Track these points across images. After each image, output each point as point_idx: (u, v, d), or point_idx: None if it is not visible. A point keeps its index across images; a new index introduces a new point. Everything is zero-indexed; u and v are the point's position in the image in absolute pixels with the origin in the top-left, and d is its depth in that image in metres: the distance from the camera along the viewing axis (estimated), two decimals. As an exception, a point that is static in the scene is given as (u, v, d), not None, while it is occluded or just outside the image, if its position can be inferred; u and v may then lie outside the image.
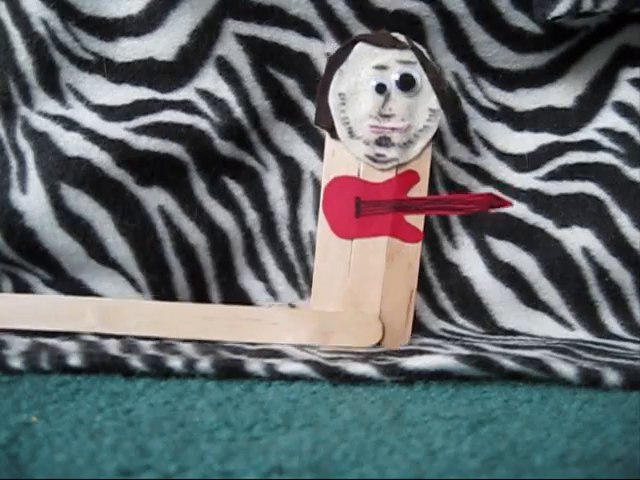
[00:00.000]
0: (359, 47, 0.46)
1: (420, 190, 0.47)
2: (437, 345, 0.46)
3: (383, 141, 0.46)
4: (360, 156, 0.47)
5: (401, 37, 0.47)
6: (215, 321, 0.46)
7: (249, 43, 0.49)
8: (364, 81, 0.46)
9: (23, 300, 0.46)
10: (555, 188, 0.51)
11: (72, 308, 0.45)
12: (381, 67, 0.46)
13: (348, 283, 0.47)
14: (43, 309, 0.45)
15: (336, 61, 0.47)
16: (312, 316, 0.47)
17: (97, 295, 0.48)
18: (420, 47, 0.47)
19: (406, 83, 0.46)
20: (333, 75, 0.47)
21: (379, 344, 0.46)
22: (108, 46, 0.49)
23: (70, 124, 0.48)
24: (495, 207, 0.49)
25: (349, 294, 0.47)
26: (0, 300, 0.46)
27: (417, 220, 0.47)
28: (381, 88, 0.46)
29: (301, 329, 0.46)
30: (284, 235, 0.51)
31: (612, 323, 0.50)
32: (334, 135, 0.47)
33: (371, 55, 0.46)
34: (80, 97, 0.48)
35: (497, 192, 0.50)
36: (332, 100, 0.47)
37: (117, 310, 0.45)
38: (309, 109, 0.50)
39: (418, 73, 0.46)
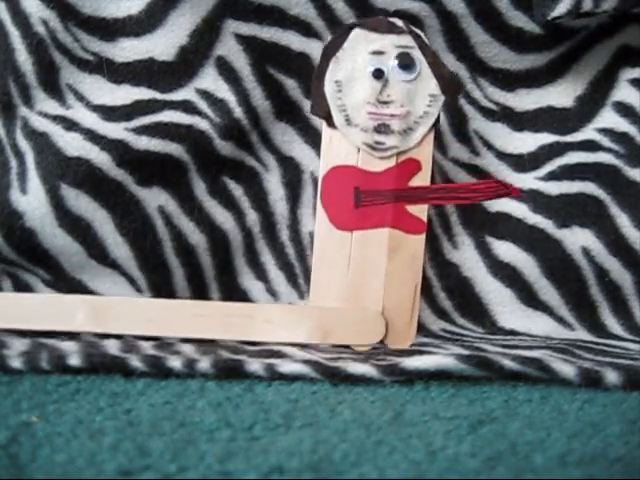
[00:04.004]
0: (355, 33, 0.45)
1: (422, 179, 0.45)
2: (437, 345, 0.46)
3: (382, 128, 0.45)
4: (358, 144, 0.45)
5: (399, 22, 0.46)
6: (208, 319, 0.44)
7: (249, 43, 0.49)
8: (361, 67, 0.45)
9: (12, 299, 0.46)
10: (555, 188, 0.51)
11: (63, 307, 0.44)
12: (378, 52, 0.45)
13: (348, 278, 0.45)
14: (34, 308, 0.44)
15: (332, 48, 0.46)
16: (310, 313, 0.45)
17: (97, 295, 0.48)
18: (418, 31, 0.46)
19: (405, 63, 0.44)
20: (329, 62, 0.45)
21: (382, 342, 0.45)
22: (108, 46, 0.49)
23: (70, 124, 0.48)
24: (502, 195, 0.47)
25: (349, 289, 0.45)
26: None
27: (420, 210, 0.45)
28: (379, 74, 0.45)
29: (298, 327, 0.44)
30: (284, 235, 0.51)
31: (612, 323, 0.50)
32: (331, 123, 0.46)
33: (368, 41, 0.45)
34: (80, 97, 0.48)
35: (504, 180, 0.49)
36: (328, 88, 0.45)
37: (108, 308, 0.44)
38: (309, 109, 0.50)
39: (417, 58, 0.45)
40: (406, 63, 0.45)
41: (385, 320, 0.45)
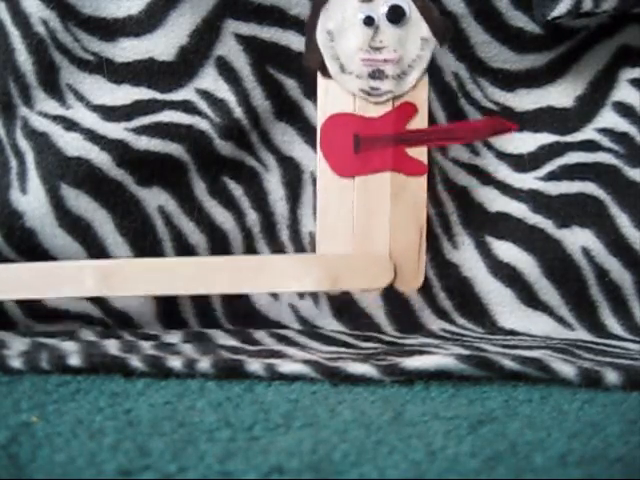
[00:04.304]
0: None
1: (420, 122, 0.45)
2: (437, 345, 0.46)
3: (376, 74, 0.45)
4: (354, 91, 0.45)
5: None
6: (216, 273, 0.44)
7: (249, 43, 0.49)
8: (351, 16, 0.45)
9: (18, 269, 0.45)
10: (555, 188, 0.51)
11: (70, 273, 0.44)
12: (367, 0, 0.45)
13: (353, 224, 0.45)
14: (41, 277, 0.44)
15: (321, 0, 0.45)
16: (318, 261, 0.45)
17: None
18: None
19: (396, 15, 0.44)
20: (319, 14, 0.45)
21: (391, 286, 0.45)
22: (108, 46, 0.49)
23: (70, 124, 0.48)
24: (499, 132, 0.47)
25: (355, 235, 0.45)
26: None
27: (419, 153, 0.45)
28: (369, 20, 0.44)
29: (307, 275, 0.44)
30: (284, 235, 0.51)
31: (612, 323, 0.50)
32: (325, 73, 0.45)
33: None
34: (80, 97, 0.48)
35: (500, 119, 0.48)
36: (320, 38, 0.45)
37: (116, 271, 0.44)
38: (309, 109, 0.50)
39: (406, 3, 0.45)
40: (397, 16, 0.44)
41: (393, 263, 0.45)
